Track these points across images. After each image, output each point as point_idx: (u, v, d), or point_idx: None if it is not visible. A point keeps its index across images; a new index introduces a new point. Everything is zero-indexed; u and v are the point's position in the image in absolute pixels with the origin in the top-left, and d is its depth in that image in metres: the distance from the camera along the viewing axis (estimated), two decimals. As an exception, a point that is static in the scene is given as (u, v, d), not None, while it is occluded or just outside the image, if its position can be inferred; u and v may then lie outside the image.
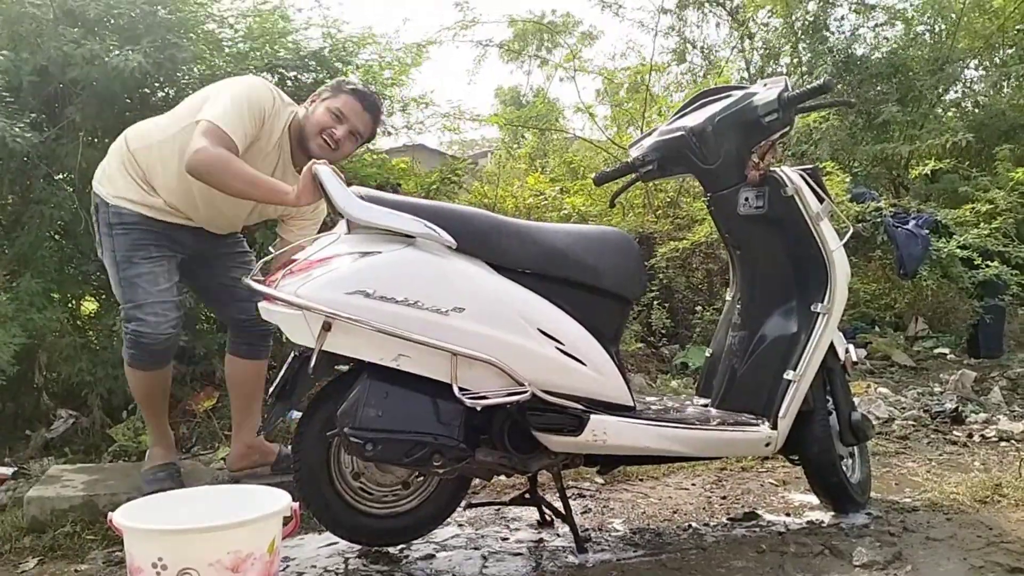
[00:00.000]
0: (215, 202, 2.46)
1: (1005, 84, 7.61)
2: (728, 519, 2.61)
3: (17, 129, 2.90)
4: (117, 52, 3.03)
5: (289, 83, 3.88)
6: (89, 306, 3.88)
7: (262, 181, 2.24)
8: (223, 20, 3.79)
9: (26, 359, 3.22)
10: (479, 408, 1.95)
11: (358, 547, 2.29)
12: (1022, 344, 5.90)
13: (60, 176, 3.30)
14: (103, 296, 3.75)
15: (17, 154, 2.96)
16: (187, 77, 3.59)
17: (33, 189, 3.22)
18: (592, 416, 2.09)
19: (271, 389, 2.14)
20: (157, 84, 3.57)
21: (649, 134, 2.71)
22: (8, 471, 2.88)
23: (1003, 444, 3.54)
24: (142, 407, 2.73)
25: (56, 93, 3.33)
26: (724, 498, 2.85)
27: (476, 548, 2.35)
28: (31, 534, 2.41)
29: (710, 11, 7.55)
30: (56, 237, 3.43)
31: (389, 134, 4.82)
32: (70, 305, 3.62)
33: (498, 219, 2.18)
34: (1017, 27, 7.00)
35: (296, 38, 3.95)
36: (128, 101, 3.45)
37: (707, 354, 2.75)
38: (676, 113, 2.74)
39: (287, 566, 2.22)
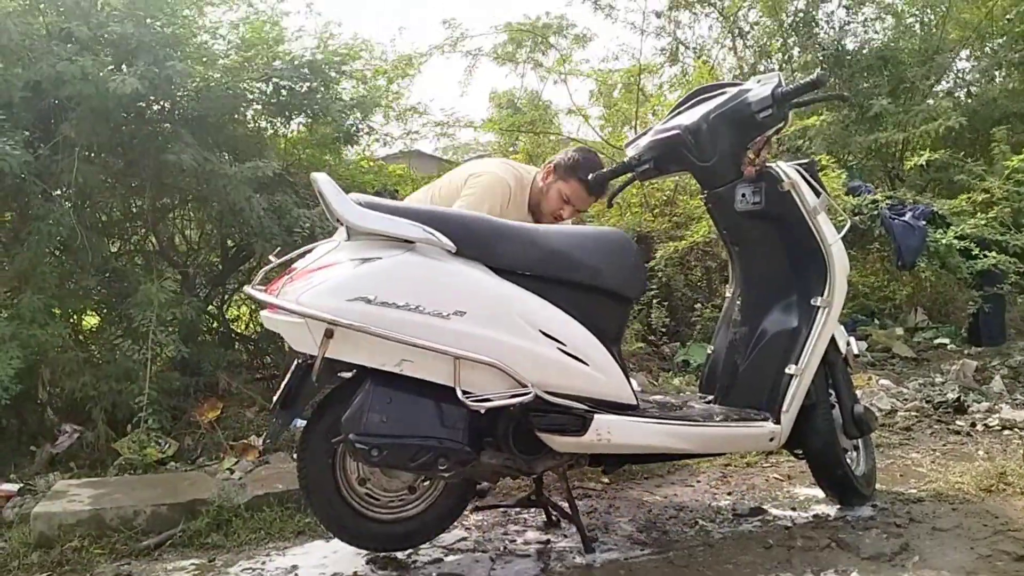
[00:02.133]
0: None
1: (997, 73, 7.63)
2: (734, 515, 2.61)
3: (8, 147, 2.90)
4: (111, 67, 3.04)
5: (284, 93, 3.89)
6: (90, 321, 3.89)
7: None
8: (215, 32, 3.80)
9: (29, 375, 3.22)
10: (483, 411, 1.96)
11: (365, 553, 2.29)
12: (1023, 332, 5.91)
13: (57, 192, 3.31)
14: (104, 311, 3.76)
15: (8, 171, 2.95)
16: (181, 91, 3.60)
17: (31, 206, 3.22)
18: (596, 416, 2.09)
19: (274, 398, 2.15)
20: (152, 98, 3.58)
21: (645, 133, 2.72)
22: (14, 487, 2.88)
23: (1006, 432, 3.55)
24: None
25: (50, 109, 3.33)
26: (730, 494, 2.85)
27: (484, 551, 2.35)
28: (39, 550, 2.41)
29: (701, 11, 7.57)
30: (56, 253, 3.43)
31: (385, 144, 4.84)
32: (72, 320, 3.62)
33: (497, 222, 2.18)
34: (1007, 16, 7.01)
35: (289, 48, 3.97)
36: (124, 116, 3.45)
37: (708, 351, 2.75)
38: (671, 112, 2.75)
39: (295, 574, 2.22)
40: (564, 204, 2.80)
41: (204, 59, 3.64)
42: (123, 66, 3.07)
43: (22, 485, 2.93)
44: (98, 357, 3.51)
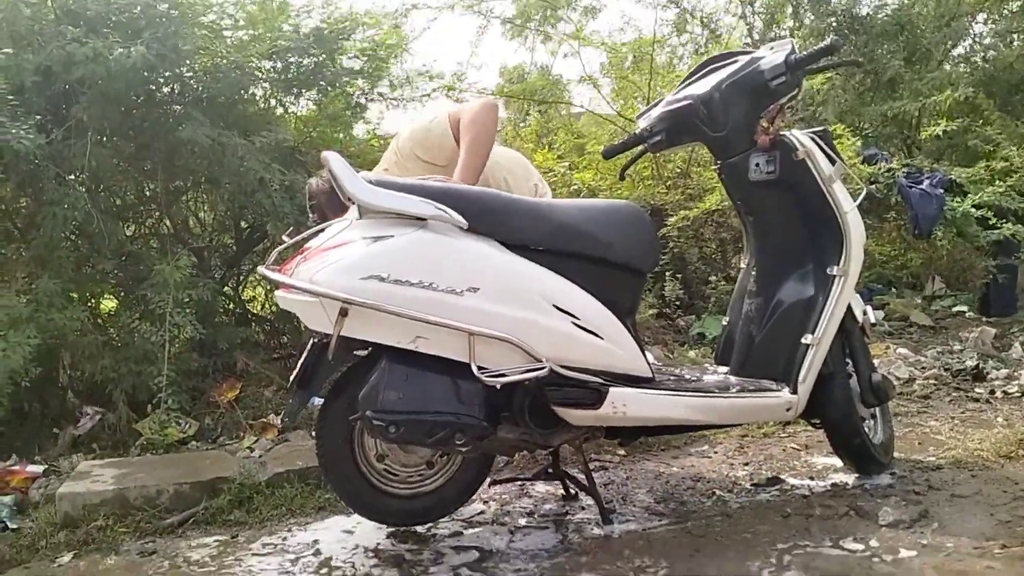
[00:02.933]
0: None
1: (1015, 37, 7.47)
2: (752, 485, 2.62)
3: (22, 131, 2.91)
4: (121, 49, 3.03)
5: (292, 69, 3.88)
6: (108, 304, 3.92)
7: None
8: (223, 10, 3.78)
9: (50, 359, 3.26)
10: (498, 386, 1.96)
11: (385, 528, 2.32)
12: (1040, 300, 5.84)
13: (71, 176, 3.32)
14: (122, 294, 3.79)
15: (23, 156, 2.96)
16: (190, 71, 3.60)
17: (45, 191, 3.24)
18: (611, 389, 2.09)
19: (291, 377, 2.16)
20: (162, 80, 3.58)
21: (656, 104, 2.69)
22: (39, 469, 2.93)
23: (1025, 399, 3.53)
24: None
25: (61, 93, 3.34)
26: (747, 464, 2.86)
27: (502, 524, 2.37)
28: (64, 529, 2.46)
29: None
30: (72, 237, 3.45)
31: (395, 107, 4.78)
32: (90, 304, 3.65)
33: (509, 197, 2.18)
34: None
35: (295, 21, 3.95)
36: (134, 98, 3.46)
37: (724, 323, 2.75)
38: (682, 82, 2.72)
39: (316, 548, 2.25)
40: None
41: (212, 36, 3.63)
42: (131, 48, 3.06)
43: (46, 467, 2.98)
44: (117, 340, 3.54)
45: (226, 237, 4.39)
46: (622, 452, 3.03)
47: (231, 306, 4.26)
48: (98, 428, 3.30)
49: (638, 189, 5.49)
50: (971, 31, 7.45)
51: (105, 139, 3.51)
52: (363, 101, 4.39)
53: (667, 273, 5.02)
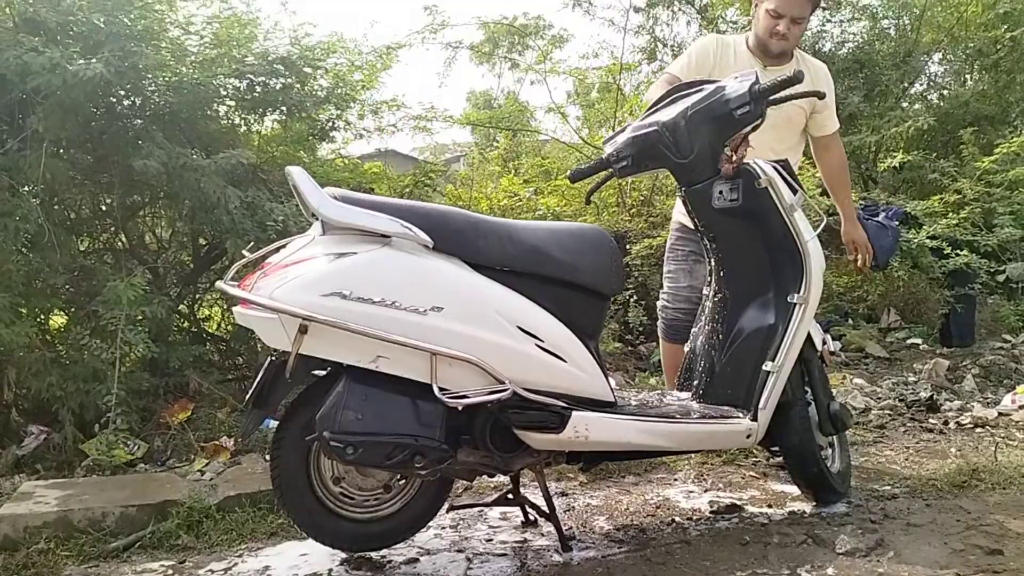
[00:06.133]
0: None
1: (968, 76, 7.73)
2: (711, 512, 2.61)
3: None
4: (80, 61, 2.97)
5: (258, 89, 3.84)
6: (58, 320, 3.80)
7: None
8: (187, 27, 3.74)
9: (-7, 376, 3.15)
10: (460, 408, 1.94)
11: (340, 553, 2.26)
12: (993, 332, 5.98)
13: (25, 188, 3.23)
14: (72, 310, 3.68)
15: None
16: (152, 85, 3.54)
17: (-3, 202, 3.15)
18: (574, 412, 2.08)
19: (247, 396, 2.11)
20: (123, 92, 3.51)
21: (623, 130, 2.71)
22: (-22, 490, 2.81)
23: (978, 430, 3.59)
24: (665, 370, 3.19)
25: (17, 103, 3.26)
26: (706, 491, 2.85)
27: (460, 550, 2.33)
28: (3, 553, 2.35)
29: (680, 9, 7.57)
30: (23, 251, 3.35)
31: (361, 137, 4.79)
32: (39, 320, 3.54)
33: (475, 217, 2.16)
34: (978, 20, 7.11)
35: (264, 44, 3.92)
36: (93, 110, 3.39)
37: (686, 349, 2.75)
38: (649, 108, 2.74)
39: (267, 574, 2.18)
40: (776, 18, 2.85)
41: (176, 53, 3.58)
42: (91, 59, 3.00)
43: (-14, 487, 2.86)
44: (65, 357, 3.43)
45: (183, 254, 4.31)
46: (583, 478, 3.00)
47: (186, 325, 4.17)
48: (43, 448, 3.19)
49: (603, 215, 5.53)
50: (928, 70, 7.68)
51: (62, 151, 3.42)
52: (328, 128, 4.37)
53: (630, 300, 5.04)
